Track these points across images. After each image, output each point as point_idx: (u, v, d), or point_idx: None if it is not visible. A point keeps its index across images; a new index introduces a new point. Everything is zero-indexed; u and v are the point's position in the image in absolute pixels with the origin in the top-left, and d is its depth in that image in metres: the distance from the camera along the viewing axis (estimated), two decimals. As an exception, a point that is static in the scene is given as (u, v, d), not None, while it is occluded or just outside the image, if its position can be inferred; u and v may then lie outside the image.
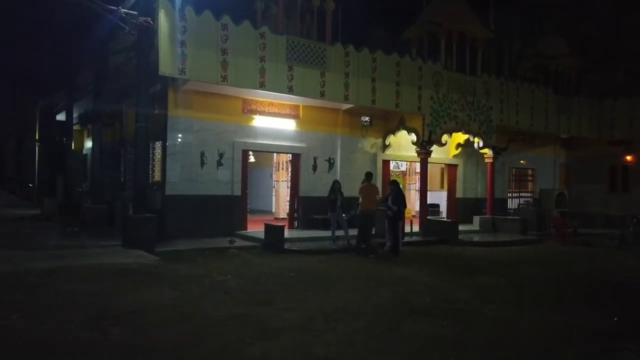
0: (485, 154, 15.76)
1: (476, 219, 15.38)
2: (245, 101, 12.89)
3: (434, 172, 22.24)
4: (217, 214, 12.32)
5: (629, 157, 18.84)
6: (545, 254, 11.86)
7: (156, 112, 11.82)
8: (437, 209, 17.34)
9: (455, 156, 17.10)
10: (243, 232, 12.55)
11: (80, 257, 8.72)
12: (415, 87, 13.67)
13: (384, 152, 15.29)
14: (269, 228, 11.02)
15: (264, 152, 15.79)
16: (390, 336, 5.04)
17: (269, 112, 13.22)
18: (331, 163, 14.28)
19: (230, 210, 12.57)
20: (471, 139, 15.20)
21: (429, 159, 14.80)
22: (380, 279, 8.06)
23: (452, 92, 14.47)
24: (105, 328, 4.91)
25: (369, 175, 10.75)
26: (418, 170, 20.76)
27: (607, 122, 18.90)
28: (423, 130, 13.95)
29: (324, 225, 13.18)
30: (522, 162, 18.59)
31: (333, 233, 11.33)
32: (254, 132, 13.00)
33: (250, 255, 9.98)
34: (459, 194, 17.22)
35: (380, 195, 11.02)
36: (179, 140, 11.88)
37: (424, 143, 13.82)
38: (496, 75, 15.64)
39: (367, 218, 10.27)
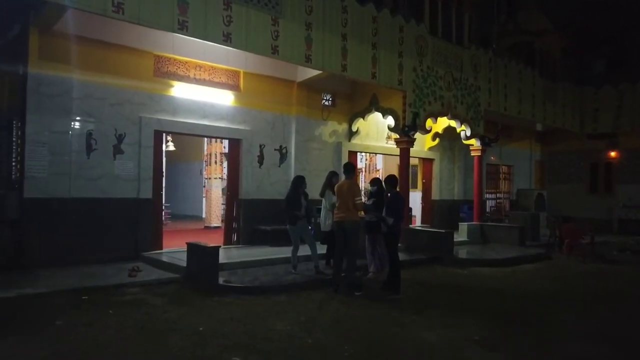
0: (472, 145, 12.72)
1: (463, 226, 12.28)
2: (158, 59, 8.76)
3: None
4: (113, 227, 8.10)
5: (612, 153, 16.75)
6: (584, 277, 8.85)
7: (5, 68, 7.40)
8: (409, 214, 14.06)
9: (431, 149, 13.95)
10: (155, 253, 8.42)
11: None
12: (396, 54, 10.23)
13: (350, 140, 11.75)
14: (194, 250, 7.01)
15: (188, 136, 11.70)
16: None
17: (195, 79, 9.17)
18: (283, 153, 10.48)
19: (135, 220, 8.39)
20: (457, 127, 12.06)
21: (399, 152, 11.57)
22: (402, 356, 4.42)
23: (437, 65, 11.22)
24: None
25: (349, 169, 7.04)
26: (379, 166, 17.64)
27: (589, 113, 16.71)
28: (404, 111, 10.55)
29: (275, 240, 9.37)
30: (492, 157, 15.83)
31: (294, 257, 7.52)
32: (173, 105, 8.89)
33: (160, 301, 5.96)
34: (435, 195, 14.08)
35: (363, 199, 7.38)
36: (48, 112, 7.53)
37: (406, 129, 10.42)
38: (484, 48, 12.65)
39: (347, 233, 6.62)
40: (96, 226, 7.90)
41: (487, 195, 15.85)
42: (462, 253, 10.35)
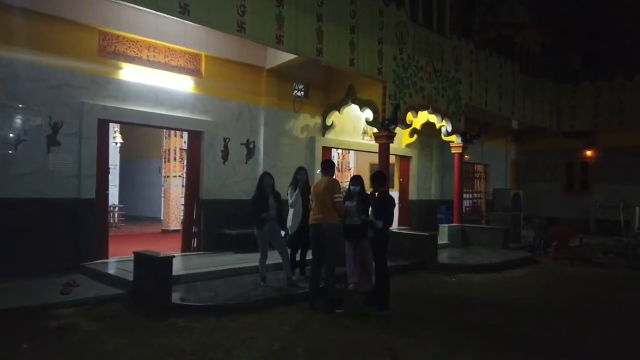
0: (452, 142, 11.96)
1: (443, 228, 11.48)
2: (104, 36, 7.51)
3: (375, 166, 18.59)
4: (48, 232, 6.81)
5: (589, 152, 16.44)
6: (579, 284, 8.17)
7: None
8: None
9: (409, 146, 13.12)
10: (99, 263, 7.17)
11: None
12: (376, 40, 9.30)
13: (324, 135, 10.76)
14: (142, 261, 5.82)
15: (145, 129, 10.45)
16: None
17: (148, 61, 7.96)
18: (250, 148, 9.38)
19: (75, 224, 7.12)
20: (438, 122, 11.26)
21: (372, 148, 10.74)
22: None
23: (418, 54, 10.37)
24: None
25: (327, 167, 6.02)
26: (352, 164, 16.73)
27: (567, 110, 16.31)
28: (384, 103, 9.63)
29: (241, 246, 8.28)
30: (466, 157, 15.16)
31: (263, 266, 6.44)
32: (121, 91, 7.66)
33: (96, 326, 4.77)
34: (412, 195, 13.26)
35: (342, 199, 6.34)
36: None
37: (387, 122, 9.51)
38: (465, 39, 11.92)
39: (325, 238, 5.61)
40: (26, 232, 6.59)
41: (463, 195, 15.18)
42: (445, 257, 9.52)
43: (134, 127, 16.00)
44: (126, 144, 16.21)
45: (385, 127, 9.54)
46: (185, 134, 8.72)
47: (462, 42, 11.71)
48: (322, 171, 6.04)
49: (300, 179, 6.77)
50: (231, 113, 9.06)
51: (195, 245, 8.58)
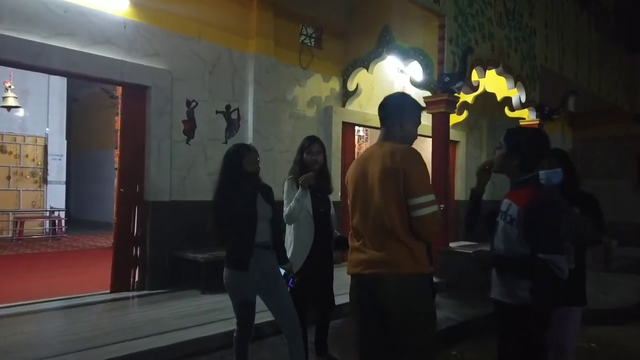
0: (523, 119, 8.49)
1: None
2: None
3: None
4: None
5: (669, 140, 12.99)
6: None
7: None
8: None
9: (455, 126, 9.61)
10: None
11: None
12: (430, -51, 5.84)
13: (344, 105, 7.27)
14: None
15: (30, 72, 7.11)
16: None
17: (45, -46, 4.44)
18: (233, 120, 5.88)
19: None
20: (508, 87, 7.77)
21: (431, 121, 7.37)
22: None
23: (485, -15, 6.93)
24: None
25: (396, 108, 2.12)
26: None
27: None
28: (441, 51, 6.15)
29: (211, 281, 4.76)
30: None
31: (243, 353, 2.86)
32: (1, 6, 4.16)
33: None
34: (458, 194, 9.77)
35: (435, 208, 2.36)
36: None
37: (449, 78, 6.01)
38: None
39: (395, 319, 1.98)
40: None
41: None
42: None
43: (86, 106, 12.48)
44: (75, 128, 12.70)
45: (446, 85, 6.05)
46: (119, 92, 5.12)
47: (537, -24, 8.25)
48: (382, 120, 2.23)
49: (312, 161, 3.23)
50: (200, 60, 5.56)
51: (137, 279, 5.05)
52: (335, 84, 7.18)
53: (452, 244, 7.05)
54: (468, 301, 5.22)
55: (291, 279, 2.94)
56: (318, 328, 3.36)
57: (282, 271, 2.89)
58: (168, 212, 5.16)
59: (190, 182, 5.40)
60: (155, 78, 5.07)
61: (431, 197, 1.98)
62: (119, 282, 4.91)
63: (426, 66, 6.31)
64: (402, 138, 2.12)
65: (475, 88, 6.80)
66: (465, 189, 9.89)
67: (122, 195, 4.96)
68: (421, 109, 2.27)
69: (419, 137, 2.25)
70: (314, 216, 3.12)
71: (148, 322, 3.93)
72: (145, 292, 4.97)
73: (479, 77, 6.98)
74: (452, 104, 6.29)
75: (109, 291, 4.87)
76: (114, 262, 4.92)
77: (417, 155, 2.02)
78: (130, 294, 4.92)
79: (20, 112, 10.00)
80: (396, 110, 2.15)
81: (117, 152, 5.23)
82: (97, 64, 4.65)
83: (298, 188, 3.06)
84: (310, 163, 3.18)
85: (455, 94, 6.25)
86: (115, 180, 5.09)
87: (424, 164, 2.03)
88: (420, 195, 1.96)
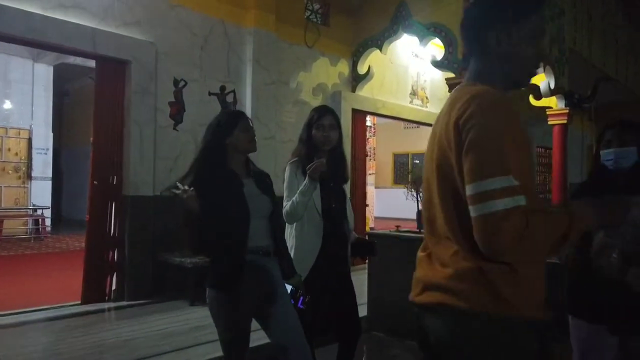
0: (550, 108, 7.72)
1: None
2: None
3: (424, 142, 14.31)
4: None
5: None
6: None
7: None
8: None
9: (473, 117, 8.85)
10: None
11: None
12: None
13: (355, 90, 6.49)
14: None
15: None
16: None
17: None
18: (227, 103, 5.11)
19: None
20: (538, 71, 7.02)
21: (425, 118, 6.74)
22: None
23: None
24: None
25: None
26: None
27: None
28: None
29: (202, 289, 3.94)
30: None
31: None
32: None
33: None
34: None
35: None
36: None
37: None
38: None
39: None
40: None
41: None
42: None
43: (78, 100, 11.65)
44: (69, 122, 11.99)
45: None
46: (94, 68, 4.33)
47: (566, -49, 7.47)
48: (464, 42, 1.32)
49: (324, 139, 2.41)
50: (190, 33, 4.80)
51: (113, 287, 4.28)
52: (344, 67, 6.41)
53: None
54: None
55: (301, 298, 2.15)
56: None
57: (289, 287, 2.13)
58: (151, 209, 4.40)
59: (178, 173, 4.59)
60: (135, 51, 4.30)
61: (503, 181, 1.05)
62: (92, 292, 4.15)
63: (449, 44, 5.55)
64: (499, 69, 1.21)
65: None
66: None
67: (96, 188, 4.19)
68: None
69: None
70: (324, 213, 2.34)
71: (120, 345, 3.18)
72: (124, 302, 4.21)
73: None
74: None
75: (79, 302, 4.11)
76: (86, 268, 4.15)
77: (497, 107, 1.12)
78: (106, 305, 4.16)
79: (2, 103, 9.27)
80: (481, 11, 1.22)
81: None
82: (63, 32, 3.89)
83: (304, 176, 2.27)
84: (321, 141, 2.39)
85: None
86: (90, 170, 4.30)
87: (505, 126, 1.10)
88: (482, 179, 1.06)
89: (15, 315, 3.77)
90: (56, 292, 4.56)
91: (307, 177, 2.22)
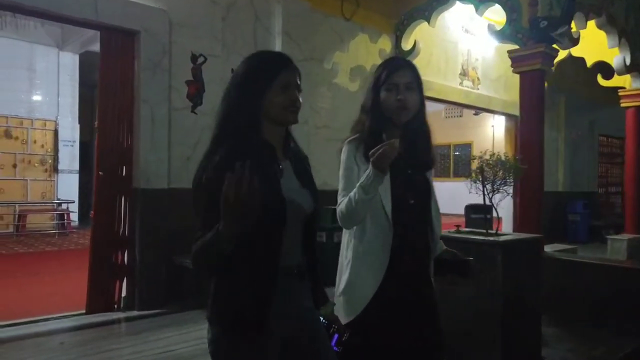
0: (623, 89, 6.71)
1: (615, 243, 6.26)
2: None
3: (466, 133, 13.81)
4: None
5: None
6: None
7: None
8: (488, 219, 7.97)
9: (529, 101, 7.89)
10: None
11: None
12: None
13: (399, 68, 5.74)
14: None
15: None
16: None
17: None
18: (253, 82, 4.47)
19: None
20: (610, 45, 6.01)
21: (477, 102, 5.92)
22: None
23: None
24: None
25: None
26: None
27: None
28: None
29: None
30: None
31: None
32: None
33: None
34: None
35: None
36: None
37: (544, 22, 4.37)
38: None
39: None
40: None
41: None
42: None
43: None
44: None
45: (542, 33, 4.42)
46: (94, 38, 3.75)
47: None
48: None
49: (399, 106, 1.56)
50: (210, 1, 4.16)
51: (123, 294, 3.72)
52: (386, 43, 5.64)
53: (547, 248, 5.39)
54: (585, 335, 3.61)
55: (336, 336, 1.44)
56: None
57: (323, 321, 1.42)
58: (165, 204, 3.80)
59: (196, 163, 4.02)
60: (145, 20, 3.69)
61: None
62: (98, 299, 3.59)
63: (512, 9, 4.69)
64: None
65: (576, 41, 5.08)
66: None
67: (102, 180, 3.62)
68: None
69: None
70: (394, 215, 1.55)
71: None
72: (135, 312, 3.64)
73: (578, 29, 5.28)
74: (549, 59, 4.64)
75: (84, 311, 3.56)
76: (91, 272, 3.60)
77: None
78: (113, 315, 3.60)
79: (27, 93, 8.98)
80: None
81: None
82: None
83: (367, 162, 1.50)
84: (395, 110, 1.59)
85: (555, 45, 4.59)
86: (95, 160, 3.73)
87: None
88: None
89: (6, 328, 3.24)
90: (63, 298, 4.05)
91: (370, 165, 1.46)
